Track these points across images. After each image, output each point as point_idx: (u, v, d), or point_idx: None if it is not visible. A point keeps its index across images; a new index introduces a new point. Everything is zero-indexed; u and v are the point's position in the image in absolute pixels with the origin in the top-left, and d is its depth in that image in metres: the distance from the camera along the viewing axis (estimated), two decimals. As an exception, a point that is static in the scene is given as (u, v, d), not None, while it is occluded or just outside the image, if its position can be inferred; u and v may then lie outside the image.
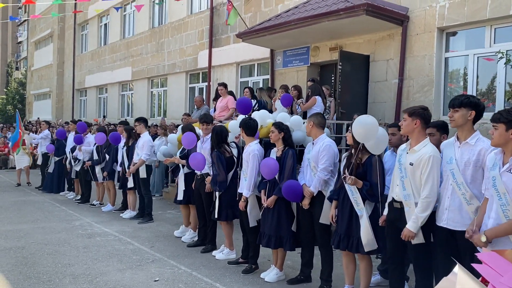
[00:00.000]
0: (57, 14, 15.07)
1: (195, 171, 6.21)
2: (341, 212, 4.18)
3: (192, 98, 15.01)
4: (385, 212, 3.93)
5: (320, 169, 4.46)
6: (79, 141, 9.56)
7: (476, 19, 7.38)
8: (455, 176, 3.30)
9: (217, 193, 5.55)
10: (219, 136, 5.60)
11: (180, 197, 6.57)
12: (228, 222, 5.66)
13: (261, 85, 12.24)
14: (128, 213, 8.17)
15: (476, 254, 1.57)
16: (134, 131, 8.00)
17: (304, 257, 4.87)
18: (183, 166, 6.57)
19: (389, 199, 3.88)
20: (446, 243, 3.40)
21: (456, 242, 3.32)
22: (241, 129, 5.25)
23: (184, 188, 6.51)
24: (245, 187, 5.04)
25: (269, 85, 11.39)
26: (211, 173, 5.82)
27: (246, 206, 5.08)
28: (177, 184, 6.81)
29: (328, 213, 4.41)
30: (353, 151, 4.12)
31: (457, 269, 1.47)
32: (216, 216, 5.55)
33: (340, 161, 4.47)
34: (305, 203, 4.58)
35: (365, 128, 3.95)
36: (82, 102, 23.73)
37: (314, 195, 4.52)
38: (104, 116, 19.03)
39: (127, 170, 7.87)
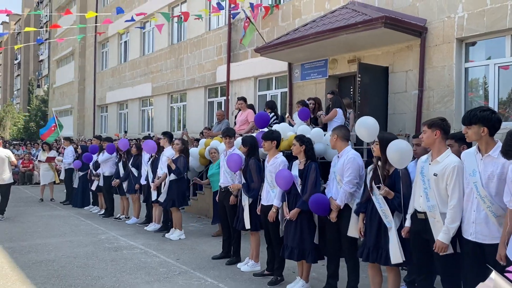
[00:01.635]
0: (81, 36, 15.57)
1: (220, 184, 6.37)
2: (369, 225, 4.18)
3: (211, 112, 15.25)
4: (407, 223, 3.94)
5: (345, 182, 4.51)
6: (89, 159, 10.19)
7: (496, 28, 7.38)
8: (479, 189, 3.30)
9: (245, 203, 5.63)
10: (255, 145, 5.77)
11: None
12: (257, 233, 5.74)
13: (279, 98, 12.38)
14: (152, 226, 8.31)
15: (507, 269, 1.62)
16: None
17: (330, 268, 4.89)
18: (169, 173, 7.50)
19: (411, 211, 3.90)
20: (474, 256, 3.38)
21: (484, 255, 3.32)
22: (268, 141, 5.34)
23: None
24: (276, 197, 5.11)
25: (288, 98, 11.53)
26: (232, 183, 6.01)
27: (275, 217, 5.13)
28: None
29: (355, 226, 4.42)
30: (379, 163, 4.16)
31: (494, 275, 1.51)
32: (248, 226, 5.62)
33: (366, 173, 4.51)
34: (333, 217, 4.61)
35: (368, 129, 4.24)
36: (103, 118, 24.21)
37: (341, 208, 4.57)
38: (125, 132, 19.38)
39: (151, 183, 8.04)
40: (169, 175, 7.47)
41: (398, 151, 3.88)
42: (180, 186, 7.57)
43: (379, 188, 4.01)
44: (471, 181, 3.37)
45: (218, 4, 12.51)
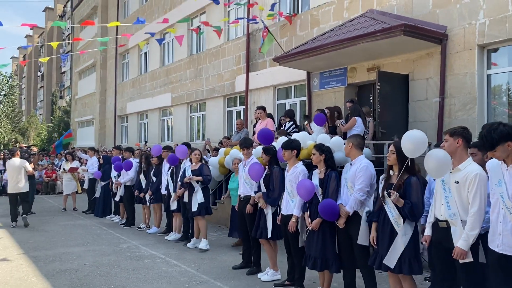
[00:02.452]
0: (104, 47, 15.90)
1: (239, 194, 6.39)
2: (381, 233, 4.20)
3: (230, 121, 15.34)
4: (427, 232, 3.93)
5: (356, 189, 4.54)
6: (118, 168, 10.18)
7: (518, 35, 7.27)
8: (505, 200, 3.25)
9: (268, 211, 5.63)
10: (277, 154, 5.80)
11: (194, 208, 7.45)
12: (268, 241, 5.73)
13: (298, 107, 12.39)
14: (172, 235, 8.37)
15: None
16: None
17: (346, 278, 4.88)
18: (197, 182, 7.51)
19: (431, 219, 3.89)
20: (499, 267, 3.32)
21: (511, 266, 3.25)
22: (288, 151, 5.34)
23: (200, 202, 7.47)
24: (296, 207, 5.11)
25: (307, 107, 11.52)
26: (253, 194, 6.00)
27: (295, 227, 5.12)
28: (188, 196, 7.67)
29: (364, 234, 4.47)
30: (391, 172, 4.17)
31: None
32: (270, 235, 5.61)
33: (377, 182, 4.50)
34: (340, 223, 4.66)
35: (414, 143, 3.95)
36: (123, 128, 24.59)
37: (350, 215, 4.59)
38: (145, 141, 19.64)
39: (172, 193, 8.10)
40: (197, 183, 7.51)
41: (438, 160, 3.66)
42: (208, 192, 7.75)
43: (389, 194, 4.03)
44: (497, 191, 3.32)
45: (250, 19, 12.59)
